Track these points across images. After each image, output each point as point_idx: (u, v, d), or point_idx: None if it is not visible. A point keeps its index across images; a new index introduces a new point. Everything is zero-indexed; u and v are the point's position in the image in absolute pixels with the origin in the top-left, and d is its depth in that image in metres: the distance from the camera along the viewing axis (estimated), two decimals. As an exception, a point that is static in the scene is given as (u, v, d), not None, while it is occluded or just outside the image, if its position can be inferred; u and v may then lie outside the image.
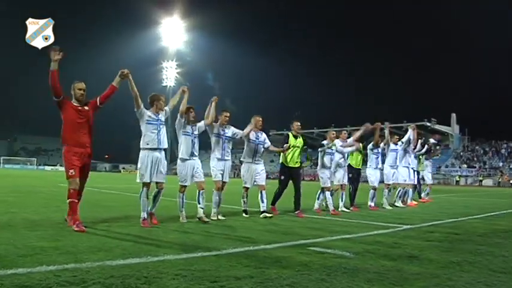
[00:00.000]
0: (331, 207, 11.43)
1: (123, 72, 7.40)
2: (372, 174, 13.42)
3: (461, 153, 76.55)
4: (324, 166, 11.69)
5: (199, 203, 8.65)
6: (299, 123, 11.19)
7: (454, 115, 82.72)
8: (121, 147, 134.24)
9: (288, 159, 10.75)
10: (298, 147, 10.86)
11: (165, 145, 8.04)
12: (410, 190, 14.86)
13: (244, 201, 10.09)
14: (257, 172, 10.11)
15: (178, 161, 8.74)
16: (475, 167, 69.58)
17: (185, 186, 8.69)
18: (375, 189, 13.34)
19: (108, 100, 7.53)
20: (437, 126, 77.88)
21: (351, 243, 6.51)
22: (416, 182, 16.10)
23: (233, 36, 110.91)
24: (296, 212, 10.46)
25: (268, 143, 10.40)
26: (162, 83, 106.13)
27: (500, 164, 69.16)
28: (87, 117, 7.30)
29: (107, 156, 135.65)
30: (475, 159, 73.28)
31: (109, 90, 7.46)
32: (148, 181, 7.83)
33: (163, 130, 8.06)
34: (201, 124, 9.02)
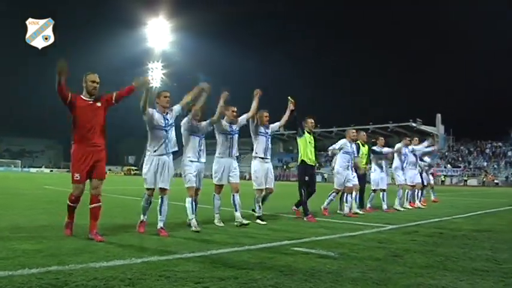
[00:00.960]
0: (346, 210, 10.96)
1: (146, 81, 7.05)
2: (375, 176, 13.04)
3: (447, 153, 77.06)
4: (341, 167, 11.23)
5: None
6: (313, 120, 10.43)
7: (439, 115, 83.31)
8: (107, 148, 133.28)
9: (307, 158, 10.02)
10: (312, 143, 10.19)
11: (174, 148, 7.48)
12: (417, 191, 14.42)
13: (259, 206, 9.15)
14: (271, 171, 9.42)
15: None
16: (460, 167, 70.08)
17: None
18: (374, 191, 12.85)
19: (123, 99, 6.91)
20: (423, 127, 78.38)
21: (336, 244, 6.52)
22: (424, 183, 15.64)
23: (220, 37, 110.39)
24: (308, 217, 9.65)
25: (277, 125, 9.70)
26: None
27: (485, 164, 69.73)
28: (98, 114, 6.59)
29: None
30: (460, 159, 73.84)
31: (128, 89, 6.89)
32: (152, 187, 7.27)
33: (172, 133, 7.46)
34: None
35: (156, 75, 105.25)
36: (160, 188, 7.25)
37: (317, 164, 10.36)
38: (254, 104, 8.94)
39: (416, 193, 14.30)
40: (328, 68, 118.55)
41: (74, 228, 6.71)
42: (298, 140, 10.22)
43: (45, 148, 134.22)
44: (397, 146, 13.68)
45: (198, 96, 7.93)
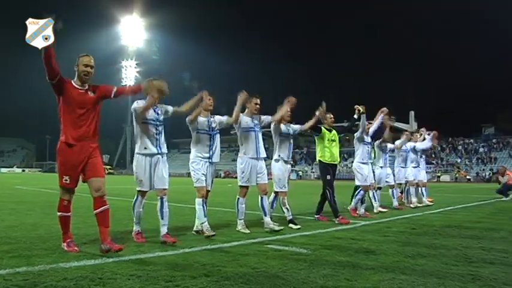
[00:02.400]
0: (362, 210, 10.36)
1: (162, 91, 6.33)
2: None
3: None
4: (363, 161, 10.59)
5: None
6: (331, 115, 9.62)
7: (412, 113, 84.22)
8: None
9: (328, 156, 9.37)
10: (333, 140, 9.49)
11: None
12: (421, 188, 13.83)
13: (287, 209, 8.37)
14: (289, 173, 8.97)
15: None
16: (433, 163, 71.04)
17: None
18: (379, 188, 12.02)
19: (122, 97, 6.03)
20: (396, 124, 79.17)
21: (309, 240, 6.57)
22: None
23: (196, 35, 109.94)
24: (317, 216, 9.43)
25: (297, 128, 8.97)
26: (121, 82, 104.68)
27: (458, 160, 70.87)
28: (91, 105, 5.58)
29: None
30: (433, 155, 74.75)
31: (133, 89, 6.30)
32: (148, 189, 6.45)
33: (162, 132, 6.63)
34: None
35: (129, 74, 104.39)
36: (159, 189, 6.43)
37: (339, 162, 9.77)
38: (284, 108, 8.28)
39: (421, 190, 13.75)
40: (299, 68, 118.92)
41: (44, 228, 6.60)
42: (316, 138, 9.60)
43: (17, 147, 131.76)
44: (397, 142, 13.27)
45: (196, 105, 7.15)
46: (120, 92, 5.89)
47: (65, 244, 5.52)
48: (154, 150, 6.38)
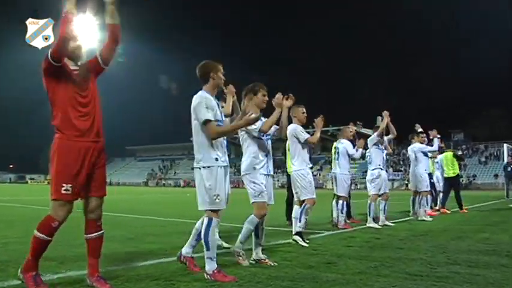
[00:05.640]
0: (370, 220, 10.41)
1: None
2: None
3: (387, 157, 79.14)
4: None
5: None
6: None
7: (379, 118, 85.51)
8: (28, 154, 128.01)
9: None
10: None
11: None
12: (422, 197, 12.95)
13: (306, 219, 7.95)
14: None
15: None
16: (402, 171, 72.18)
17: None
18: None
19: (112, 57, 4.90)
20: (363, 130, 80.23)
21: (268, 252, 6.54)
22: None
23: (152, 35, 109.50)
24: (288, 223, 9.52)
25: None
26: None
27: (426, 167, 72.27)
28: (91, 88, 4.66)
29: (11, 166, 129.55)
30: (401, 162, 76.04)
31: (109, 34, 4.87)
32: (224, 207, 5.17)
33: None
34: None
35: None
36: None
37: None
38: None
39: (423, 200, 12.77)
40: (258, 71, 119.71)
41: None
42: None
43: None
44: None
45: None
46: (105, 53, 4.83)
47: (28, 276, 4.29)
48: (226, 160, 5.35)
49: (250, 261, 5.75)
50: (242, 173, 6.03)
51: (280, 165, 45.64)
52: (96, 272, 4.44)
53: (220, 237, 6.97)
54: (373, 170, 10.95)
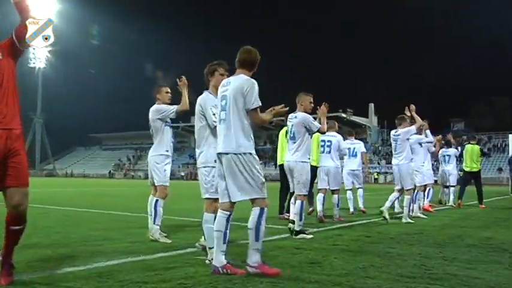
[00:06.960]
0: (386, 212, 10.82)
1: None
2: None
3: (380, 148, 79.54)
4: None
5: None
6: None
7: (372, 105, 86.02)
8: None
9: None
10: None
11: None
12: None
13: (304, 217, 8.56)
14: None
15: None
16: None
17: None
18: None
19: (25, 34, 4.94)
20: (354, 118, 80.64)
21: (246, 251, 6.53)
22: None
23: (117, 6, 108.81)
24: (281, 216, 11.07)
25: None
26: (29, 63, 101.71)
27: (424, 158, 72.82)
28: (4, 73, 4.67)
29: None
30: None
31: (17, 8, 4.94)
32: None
33: None
34: None
35: (39, 54, 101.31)
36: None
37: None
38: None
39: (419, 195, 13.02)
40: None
41: None
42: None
43: None
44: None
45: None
46: (19, 32, 4.97)
47: None
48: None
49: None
50: (202, 165, 6.00)
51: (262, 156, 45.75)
52: (10, 257, 4.55)
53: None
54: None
